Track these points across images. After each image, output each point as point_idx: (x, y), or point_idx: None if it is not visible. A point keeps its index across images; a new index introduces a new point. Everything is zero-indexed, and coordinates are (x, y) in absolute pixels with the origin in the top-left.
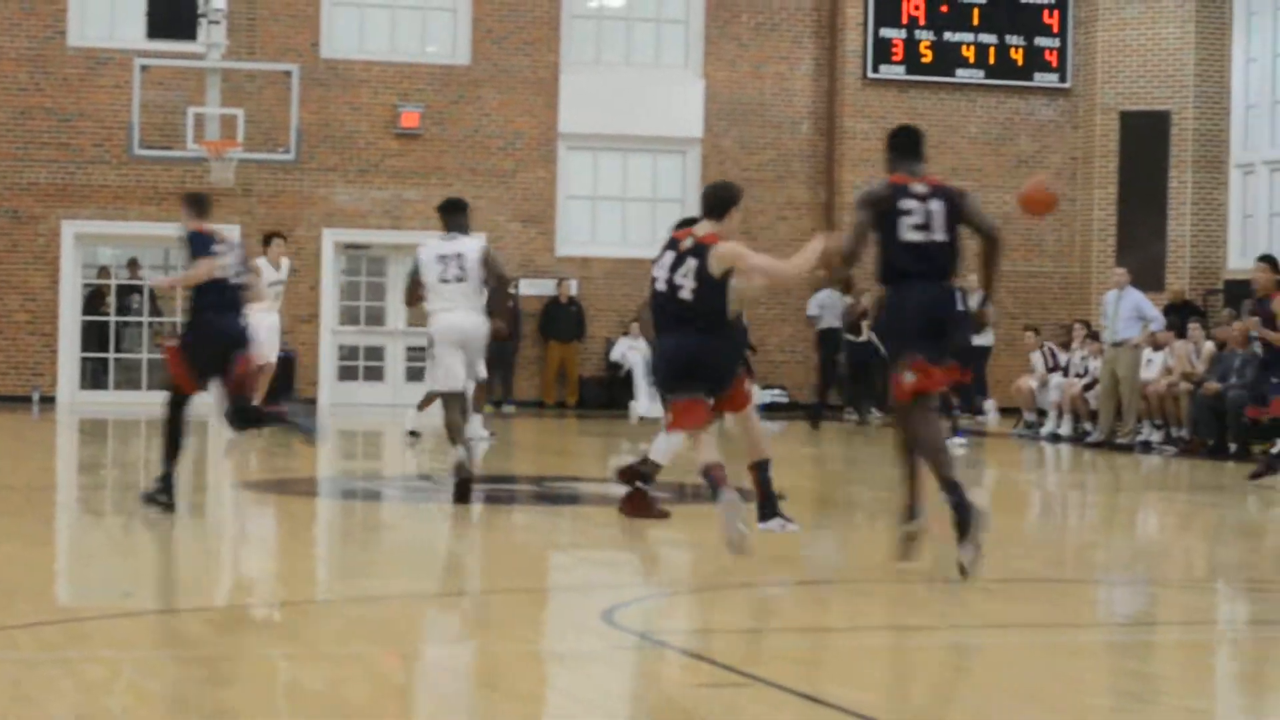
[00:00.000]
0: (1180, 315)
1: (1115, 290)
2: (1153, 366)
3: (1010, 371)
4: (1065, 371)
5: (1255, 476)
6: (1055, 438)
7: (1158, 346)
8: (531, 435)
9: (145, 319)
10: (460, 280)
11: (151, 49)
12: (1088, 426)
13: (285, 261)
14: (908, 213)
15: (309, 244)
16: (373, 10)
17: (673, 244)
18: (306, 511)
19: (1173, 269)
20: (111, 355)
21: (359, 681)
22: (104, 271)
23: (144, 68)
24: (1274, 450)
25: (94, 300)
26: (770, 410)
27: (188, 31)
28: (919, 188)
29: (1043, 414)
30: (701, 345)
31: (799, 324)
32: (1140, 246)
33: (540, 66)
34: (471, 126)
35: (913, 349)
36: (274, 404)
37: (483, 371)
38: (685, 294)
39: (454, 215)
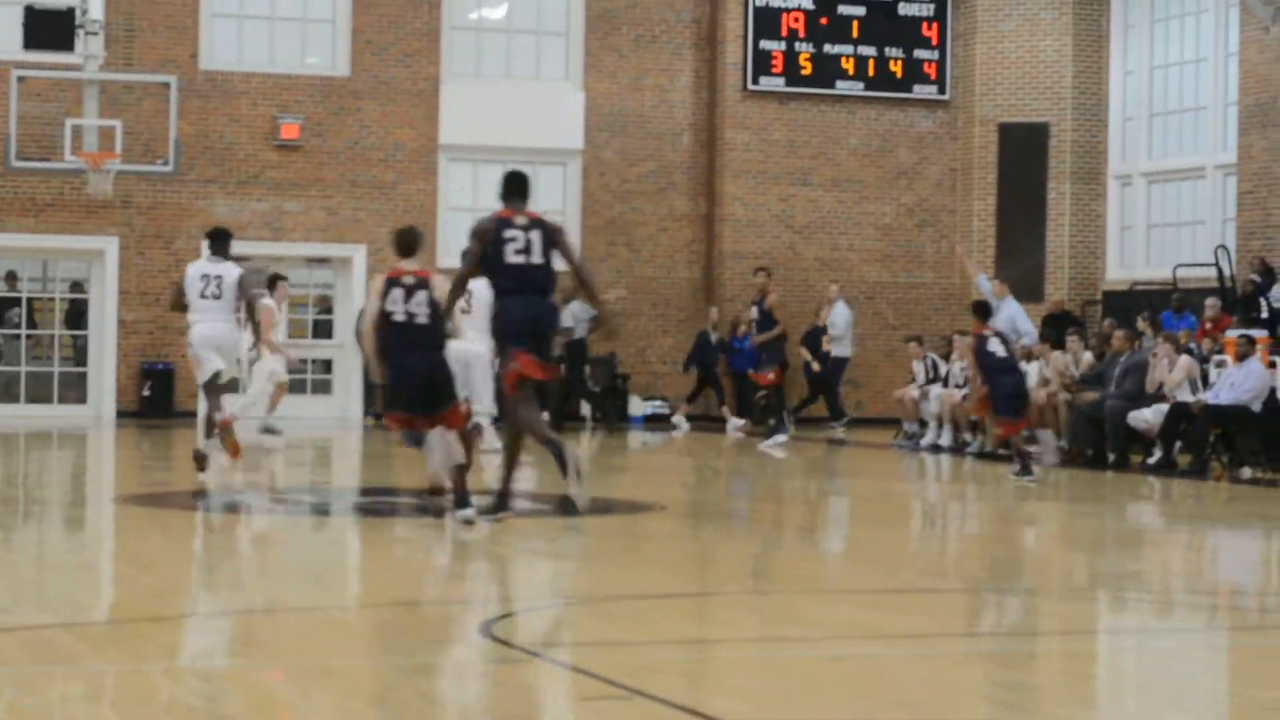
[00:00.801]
0: (1059, 326)
1: (996, 300)
2: (1030, 378)
3: (891, 382)
4: (945, 382)
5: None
6: (936, 448)
7: (1030, 358)
8: (391, 448)
9: (24, 331)
10: (217, 298)
11: (28, 60)
12: (967, 437)
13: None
14: (511, 240)
15: (189, 256)
16: (252, 22)
17: (395, 282)
18: (185, 525)
19: (1052, 280)
20: None
21: (236, 696)
22: None
23: (21, 79)
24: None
25: None
26: (651, 422)
27: (65, 43)
28: (520, 220)
29: (924, 424)
30: (435, 363)
31: (680, 335)
32: (1019, 257)
33: (420, 78)
34: (352, 138)
35: (515, 347)
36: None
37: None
38: (422, 320)
39: (219, 242)
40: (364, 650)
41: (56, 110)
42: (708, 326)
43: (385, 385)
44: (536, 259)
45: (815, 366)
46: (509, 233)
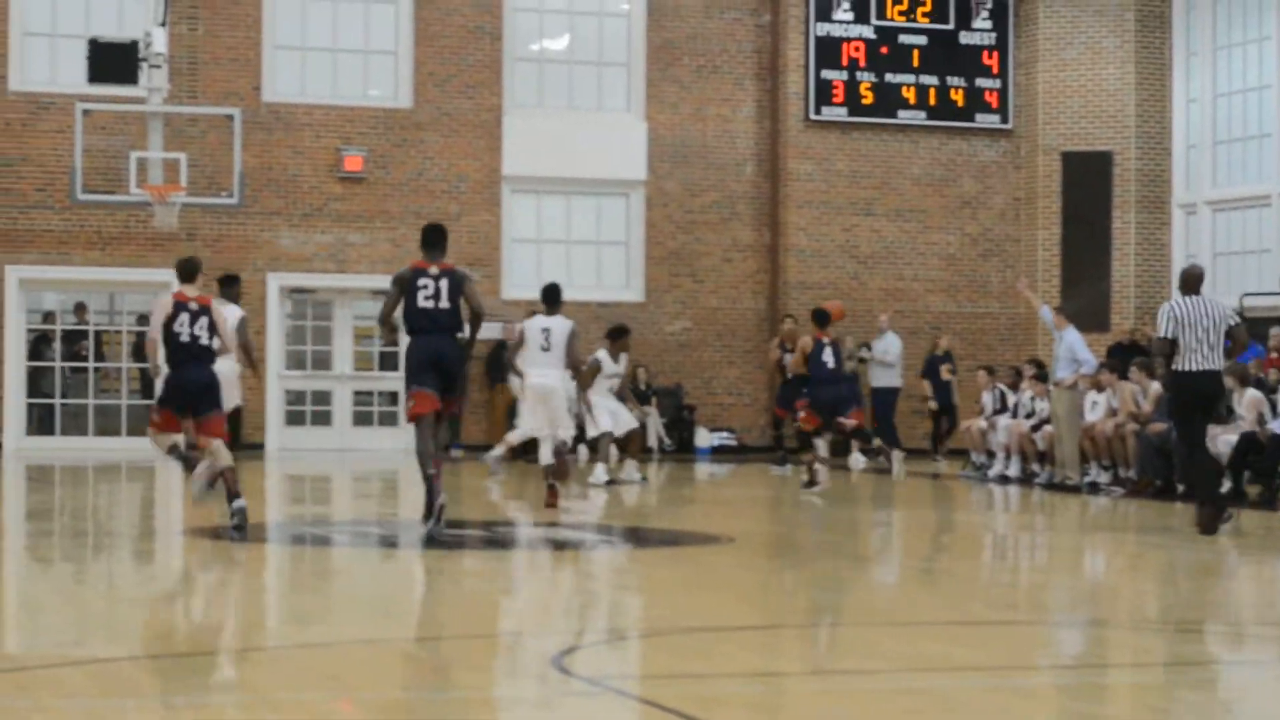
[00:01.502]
0: (1125, 356)
1: (1057, 331)
2: (1097, 408)
3: (960, 414)
4: (1014, 412)
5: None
6: (1004, 479)
7: (1099, 388)
8: (480, 479)
9: (92, 364)
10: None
11: (93, 93)
12: (1035, 468)
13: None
14: (423, 287)
15: (254, 288)
16: (314, 54)
17: (183, 306)
18: (255, 557)
19: (1117, 309)
20: (58, 401)
21: None
22: (49, 317)
23: (86, 112)
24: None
25: (39, 345)
26: (719, 453)
27: (129, 76)
28: (433, 270)
29: (991, 455)
30: (209, 375)
31: (746, 366)
32: (1084, 286)
33: (483, 109)
34: (415, 170)
35: (418, 382)
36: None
37: (633, 421)
38: (204, 341)
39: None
40: (433, 683)
41: (121, 143)
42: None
43: (162, 392)
44: (444, 304)
45: (931, 404)
46: (422, 280)
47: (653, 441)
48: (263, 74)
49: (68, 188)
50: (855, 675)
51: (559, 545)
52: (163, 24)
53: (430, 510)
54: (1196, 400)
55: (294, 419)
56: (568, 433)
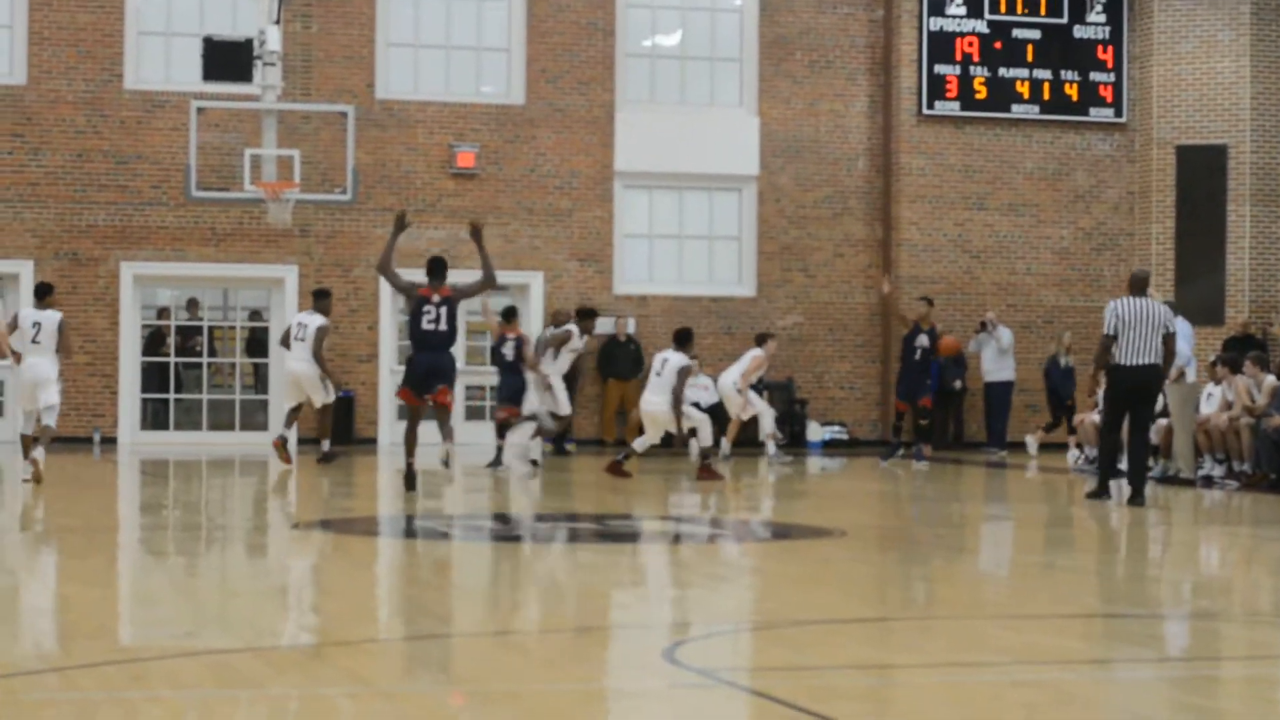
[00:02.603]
0: (1242, 349)
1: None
2: (1212, 401)
3: (1073, 406)
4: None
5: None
6: (1119, 472)
7: (1216, 381)
8: (592, 474)
9: (205, 359)
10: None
11: (207, 91)
12: (1150, 462)
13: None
14: (428, 313)
15: (367, 284)
16: (427, 51)
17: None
18: (367, 550)
19: (1232, 302)
20: (171, 396)
21: None
22: (163, 313)
23: (200, 110)
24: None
25: (154, 341)
26: (830, 447)
27: (243, 74)
28: (435, 298)
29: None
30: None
31: (857, 360)
32: (1199, 280)
33: (595, 105)
34: (527, 166)
35: (407, 385)
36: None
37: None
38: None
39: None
40: (546, 675)
41: (235, 141)
42: (1059, 352)
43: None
44: (443, 327)
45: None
46: (426, 307)
47: (764, 436)
48: (376, 71)
49: (182, 185)
50: (969, 668)
51: (671, 538)
52: (277, 22)
53: (410, 484)
54: (1131, 392)
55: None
56: (704, 440)
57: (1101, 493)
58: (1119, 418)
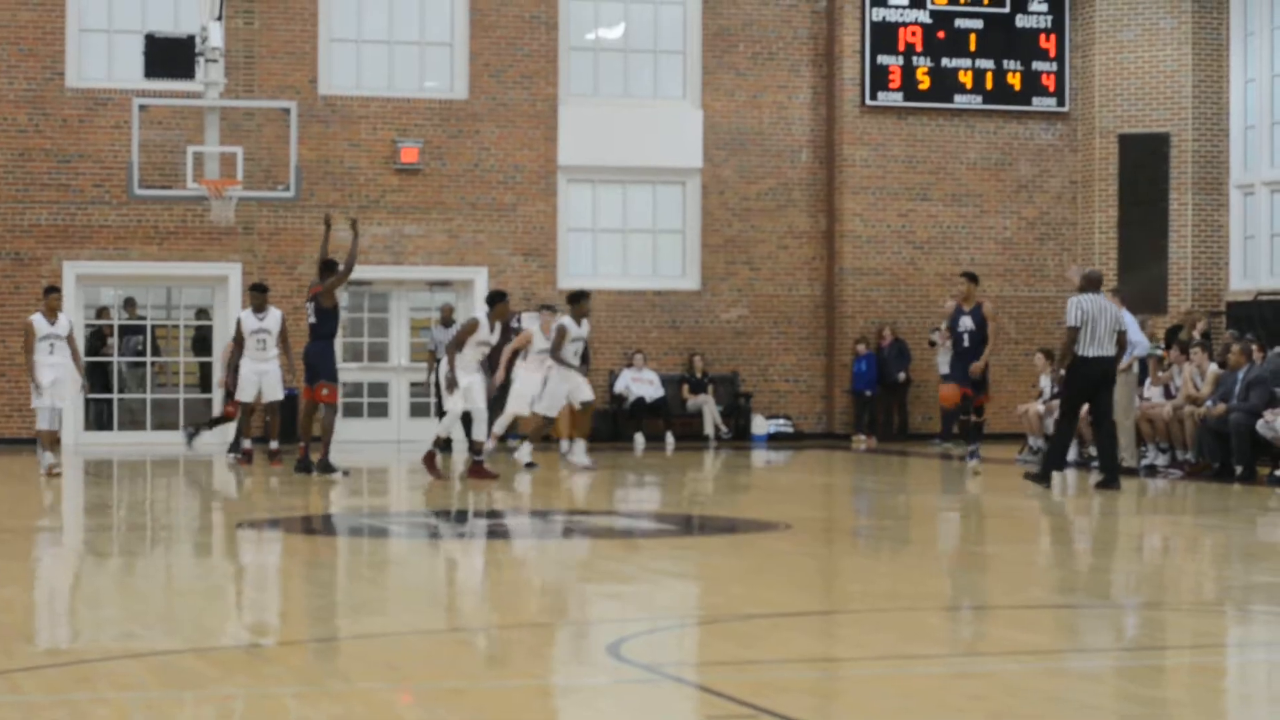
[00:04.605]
0: (1180, 338)
1: None
2: (1154, 391)
3: (1015, 397)
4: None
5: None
6: (1065, 464)
7: (1167, 366)
8: (538, 470)
9: (149, 359)
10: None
11: (150, 88)
12: (1092, 450)
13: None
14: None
15: (310, 281)
16: (370, 46)
17: None
18: (312, 548)
19: (1174, 291)
20: (115, 396)
21: (365, 719)
22: (103, 312)
23: (142, 107)
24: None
25: (95, 341)
26: (775, 440)
27: (185, 71)
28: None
29: (1049, 439)
30: None
31: (802, 353)
32: (1141, 269)
33: (539, 99)
34: (471, 161)
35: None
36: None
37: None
38: None
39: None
40: (492, 672)
41: (178, 138)
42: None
43: None
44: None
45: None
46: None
47: (709, 429)
48: (319, 67)
49: (125, 183)
50: (915, 660)
51: (615, 533)
52: (219, 18)
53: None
54: (1092, 381)
55: (350, 410)
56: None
57: (1043, 478)
58: (1078, 407)
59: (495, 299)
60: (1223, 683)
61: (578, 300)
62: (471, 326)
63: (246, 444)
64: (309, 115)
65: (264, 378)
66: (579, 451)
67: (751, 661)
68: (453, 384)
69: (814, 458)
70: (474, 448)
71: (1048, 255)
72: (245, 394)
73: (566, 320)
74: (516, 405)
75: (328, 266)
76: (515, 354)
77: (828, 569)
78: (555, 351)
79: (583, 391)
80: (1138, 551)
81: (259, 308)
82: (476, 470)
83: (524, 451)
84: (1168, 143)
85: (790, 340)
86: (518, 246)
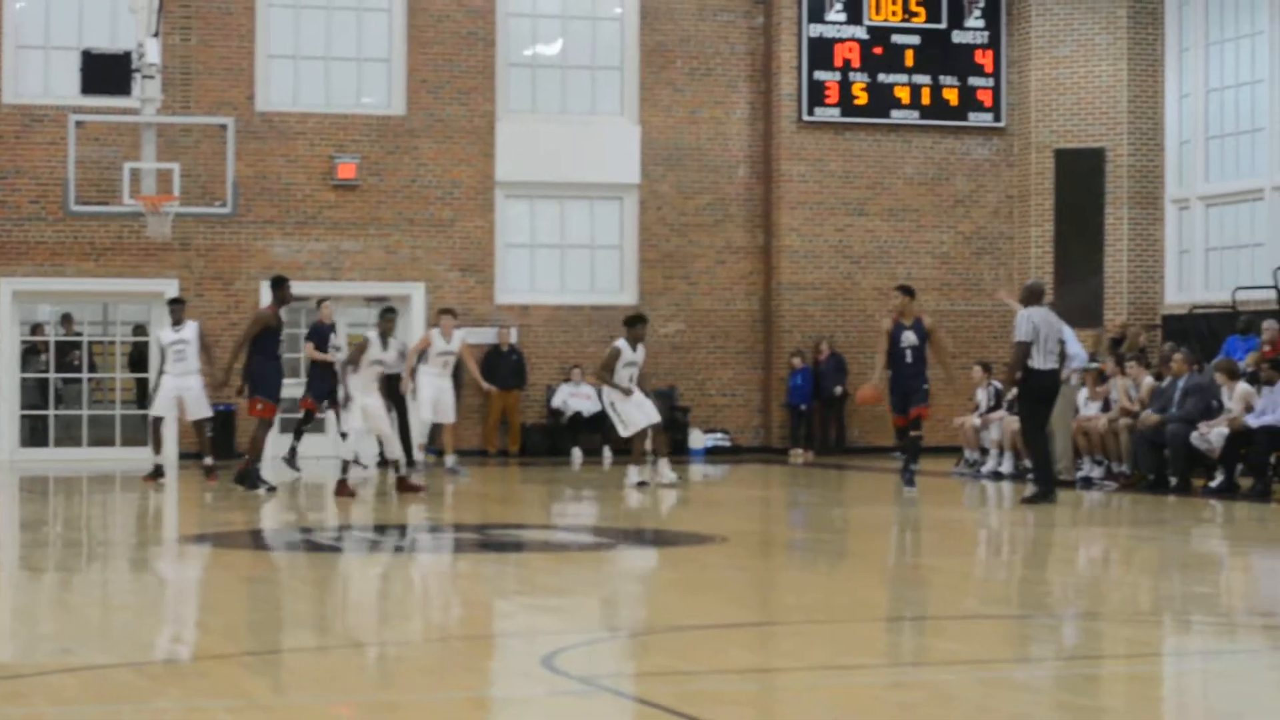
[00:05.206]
0: (1120, 351)
1: None
2: (1092, 404)
3: (951, 410)
4: (1011, 409)
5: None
6: (997, 475)
7: (1105, 378)
8: (474, 484)
9: (85, 375)
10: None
11: (86, 105)
12: (1028, 464)
13: (457, 334)
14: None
15: (247, 297)
16: (307, 63)
17: None
18: (248, 563)
19: (1111, 305)
20: (51, 412)
21: None
22: (38, 328)
23: (79, 123)
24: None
25: (29, 357)
26: (713, 454)
27: (122, 87)
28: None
29: (985, 452)
30: None
31: (739, 367)
32: (1078, 283)
33: (476, 115)
34: (409, 176)
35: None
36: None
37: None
38: None
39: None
40: (427, 685)
41: (114, 154)
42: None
43: None
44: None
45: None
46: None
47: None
48: (256, 83)
49: (61, 199)
50: (848, 670)
51: (551, 546)
52: (155, 34)
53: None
54: (1043, 393)
55: (286, 427)
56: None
57: (1045, 495)
58: (1042, 418)
59: (634, 321)
60: (1158, 692)
61: (634, 324)
62: (363, 345)
63: (159, 459)
64: (246, 131)
65: (186, 394)
66: (664, 468)
67: (687, 673)
68: (348, 400)
69: (751, 471)
70: (394, 465)
71: (984, 270)
72: (161, 409)
73: (621, 343)
74: (423, 412)
75: (279, 283)
76: (416, 364)
77: (764, 581)
78: (608, 373)
79: (647, 414)
80: (1073, 563)
81: (177, 320)
82: (403, 484)
83: (633, 474)
84: (1103, 158)
85: (727, 355)
86: (455, 262)
